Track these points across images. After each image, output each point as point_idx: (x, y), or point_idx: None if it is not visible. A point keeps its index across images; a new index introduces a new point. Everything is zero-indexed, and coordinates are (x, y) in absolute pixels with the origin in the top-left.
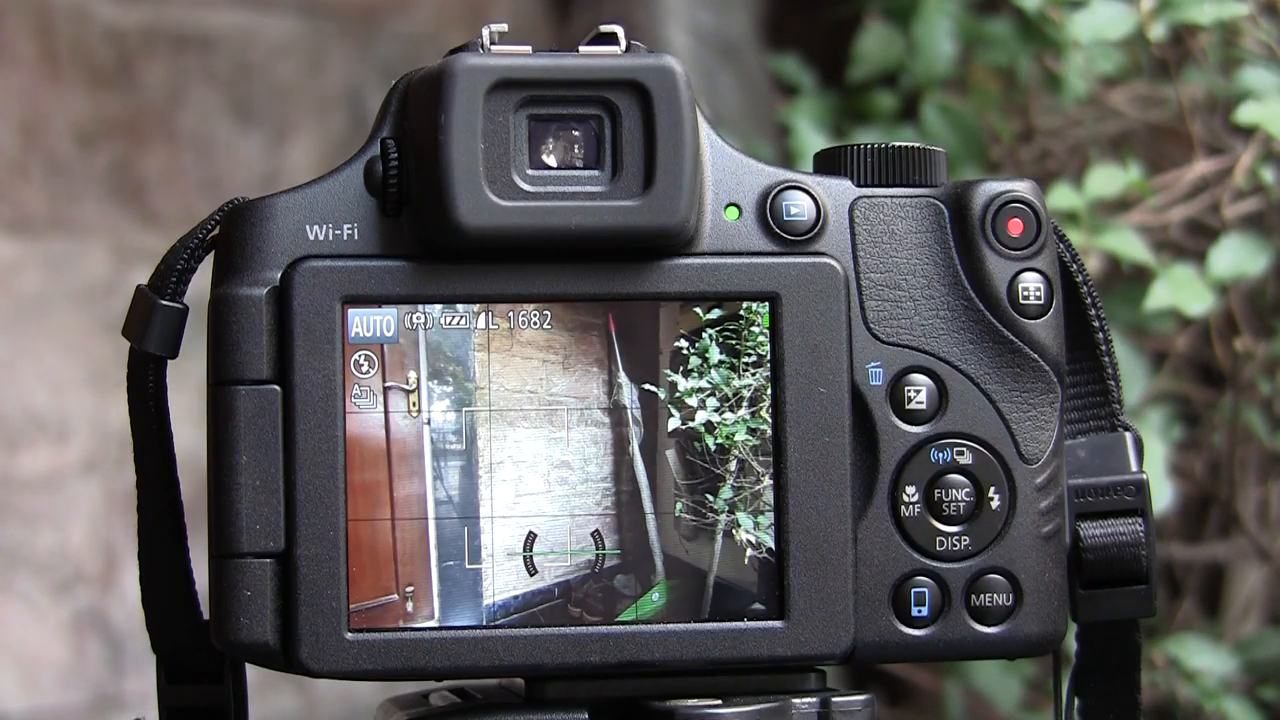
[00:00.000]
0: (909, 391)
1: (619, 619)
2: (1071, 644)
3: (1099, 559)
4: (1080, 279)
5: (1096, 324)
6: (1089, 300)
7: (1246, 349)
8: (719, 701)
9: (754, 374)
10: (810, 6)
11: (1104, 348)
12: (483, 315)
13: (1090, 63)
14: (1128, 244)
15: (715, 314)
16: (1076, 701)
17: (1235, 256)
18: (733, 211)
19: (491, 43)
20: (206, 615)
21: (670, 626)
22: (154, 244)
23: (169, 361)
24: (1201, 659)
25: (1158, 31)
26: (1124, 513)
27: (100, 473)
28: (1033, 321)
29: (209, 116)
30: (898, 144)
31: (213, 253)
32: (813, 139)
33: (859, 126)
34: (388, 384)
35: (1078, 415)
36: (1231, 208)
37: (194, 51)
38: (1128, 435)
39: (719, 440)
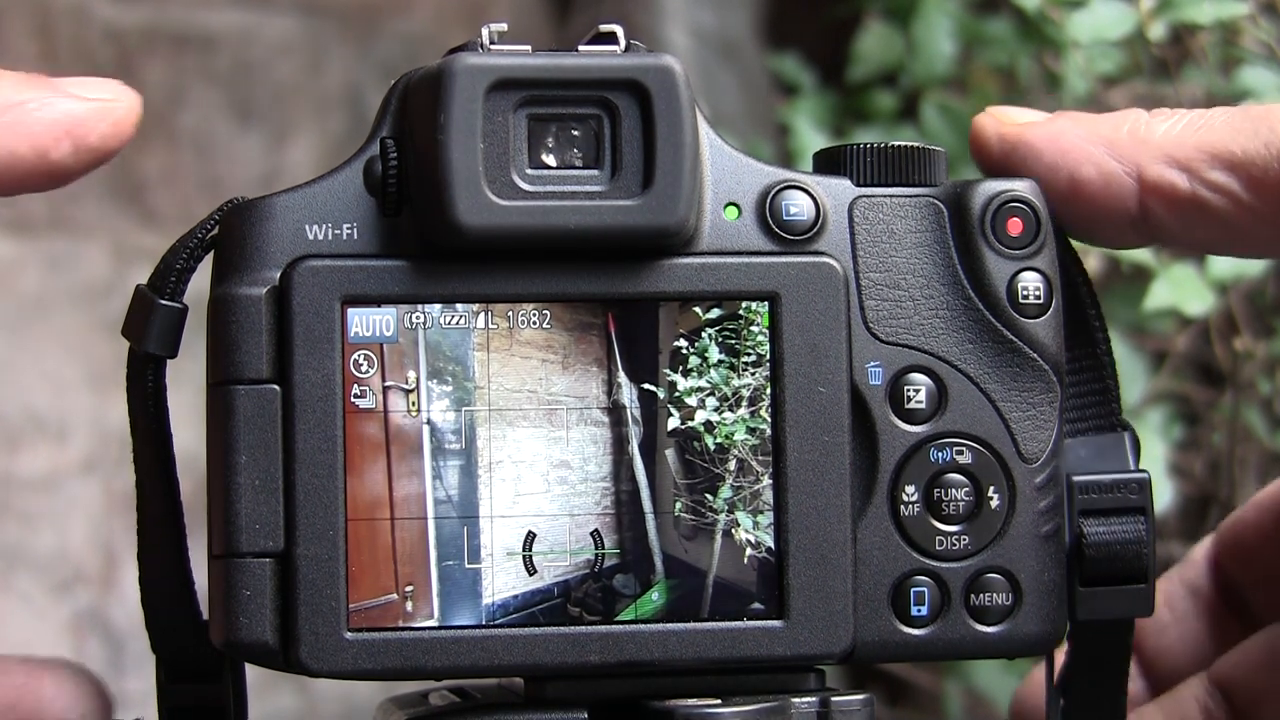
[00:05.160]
0: (908, 391)
1: (618, 618)
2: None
3: (1101, 556)
4: (1079, 278)
5: (1096, 323)
6: (1088, 300)
7: (1246, 349)
8: (718, 701)
9: (753, 373)
10: (810, 6)
11: (1103, 347)
12: (482, 315)
13: (1090, 62)
14: None
15: (714, 313)
16: (1060, 701)
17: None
18: (732, 211)
19: (491, 42)
20: (206, 614)
21: (669, 626)
22: (154, 244)
23: (169, 361)
24: None
25: (1158, 31)
26: (1127, 510)
27: (100, 473)
28: (1032, 321)
29: (209, 116)
30: (897, 143)
31: (212, 252)
32: (813, 139)
33: (859, 126)
34: (387, 383)
35: (1076, 415)
36: None
37: (194, 51)
38: (1126, 435)
39: (718, 440)
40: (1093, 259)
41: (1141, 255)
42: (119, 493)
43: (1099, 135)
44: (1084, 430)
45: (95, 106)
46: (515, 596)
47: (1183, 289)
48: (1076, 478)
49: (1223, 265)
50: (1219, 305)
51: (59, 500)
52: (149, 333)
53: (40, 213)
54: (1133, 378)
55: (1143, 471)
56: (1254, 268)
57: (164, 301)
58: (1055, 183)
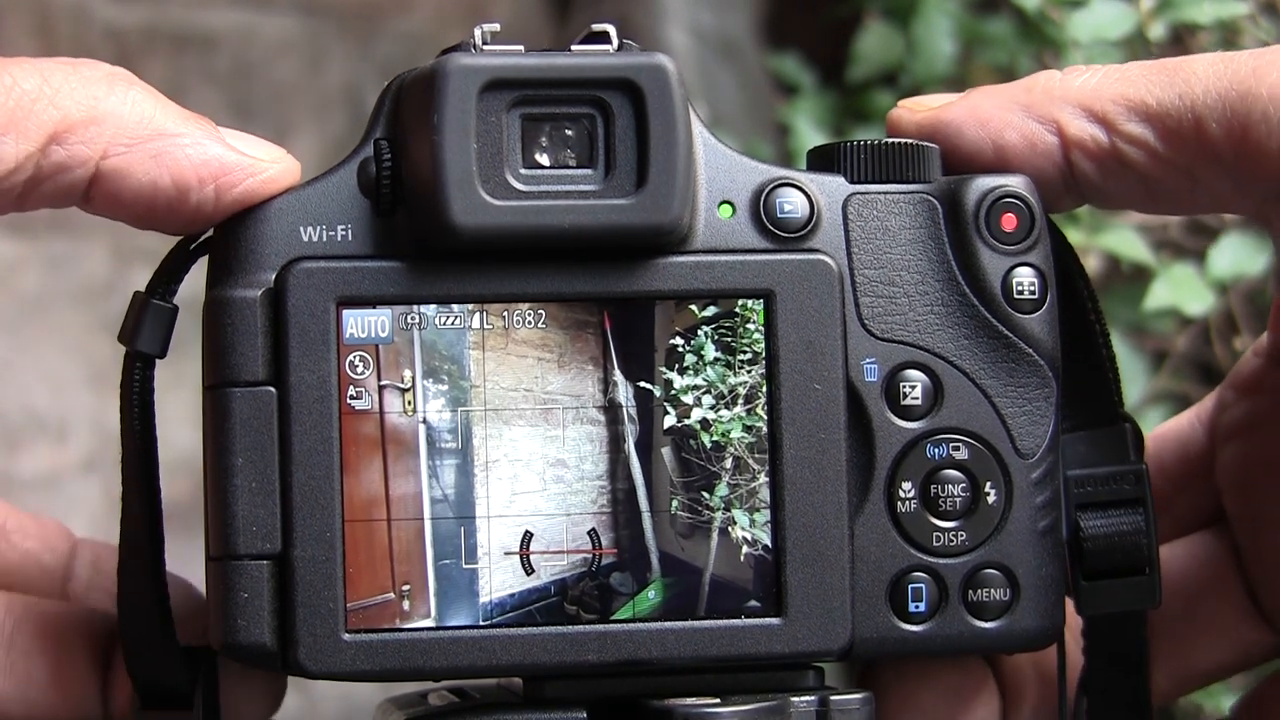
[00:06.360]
0: (904, 387)
1: (615, 617)
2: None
3: (1100, 549)
4: (1076, 272)
5: (1093, 317)
6: (1086, 294)
7: (1246, 348)
8: (717, 700)
9: (750, 371)
10: (810, 6)
11: (1102, 341)
12: (477, 314)
13: (1090, 62)
14: (1127, 243)
15: (711, 311)
16: (1085, 701)
17: (1235, 256)
18: (726, 209)
19: (484, 43)
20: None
21: (667, 625)
22: (154, 244)
23: (167, 364)
24: None
25: (1157, 31)
26: (1124, 503)
27: (100, 473)
28: (1027, 316)
29: (209, 116)
30: (891, 140)
31: (207, 255)
32: (812, 138)
33: (859, 126)
34: (383, 382)
35: (1077, 409)
36: None
37: (194, 51)
38: (1127, 427)
39: (715, 438)
40: (1092, 259)
41: (1141, 255)
42: (119, 492)
43: (1014, 100)
44: (1084, 425)
45: (249, 161)
46: (512, 595)
47: (1183, 289)
48: (1071, 472)
49: (1223, 265)
50: (1219, 305)
51: (59, 500)
52: (139, 332)
53: (40, 213)
54: (1133, 378)
55: (1139, 463)
56: (1254, 267)
57: (154, 300)
58: (981, 156)
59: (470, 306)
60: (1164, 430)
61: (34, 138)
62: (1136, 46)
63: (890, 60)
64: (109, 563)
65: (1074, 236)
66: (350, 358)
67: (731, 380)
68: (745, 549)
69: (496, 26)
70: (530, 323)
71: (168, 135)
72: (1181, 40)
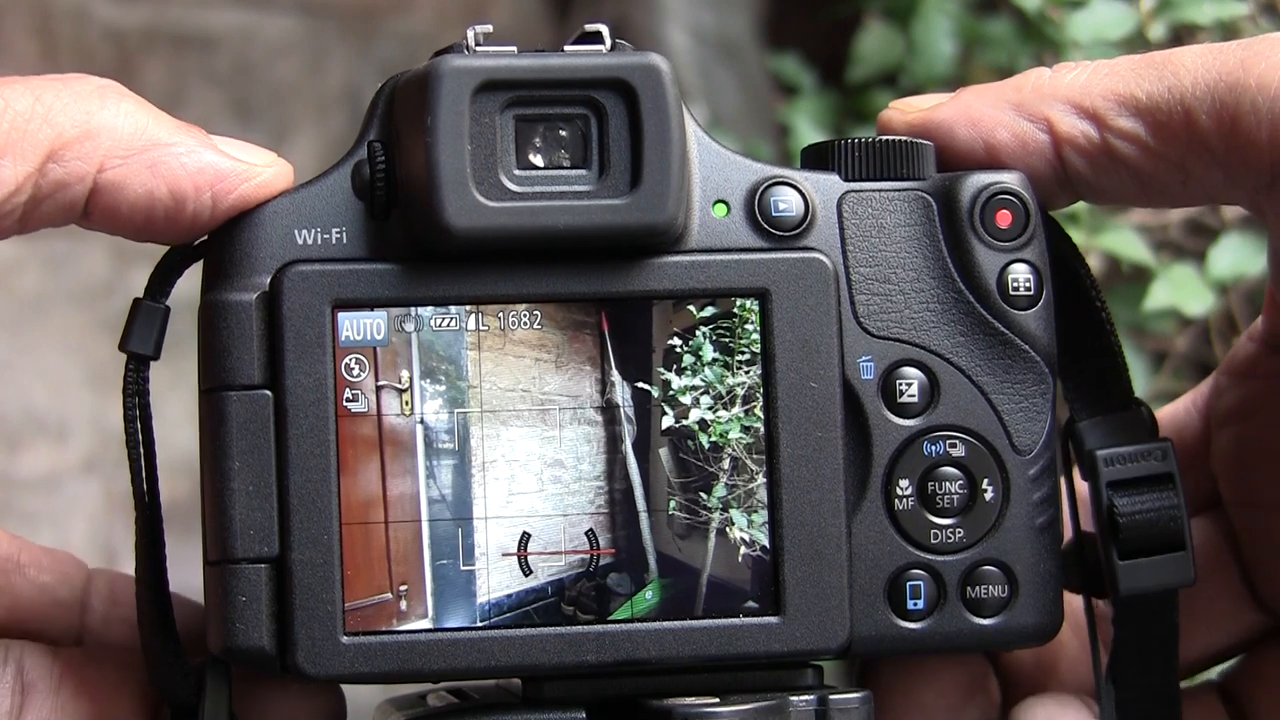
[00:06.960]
0: (900, 385)
1: (613, 617)
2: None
3: (1136, 524)
4: (1077, 263)
5: (1098, 304)
6: (1088, 283)
7: None
8: (716, 700)
9: (748, 371)
10: (810, 6)
11: (1108, 328)
12: (473, 315)
13: None
14: (1128, 244)
15: (709, 311)
16: (1113, 690)
17: (1235, 256)
18: (721, 208)
19: (477, 44)
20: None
21: (664, 625)
22: (154, 245)
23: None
24: None
25: (1157, 31)
26: (1155, 478)
27: (100, 473)
28: (1023, 312)
29: (209, 116)
30: (885, 138)
31: (202, 259)
32: (812, 139)
33: (859, 126)
34: (380, 383)
35: (1090, 397)
36: (1231, 207)
37: (194, 51)
38: (1142, 410)
39: (713, 438)
40: (1093, 259)
41: (1141, 255)
42: (119, 493)
43: (1004, 99)
44: (1099, 412)
45: (242, 167)
46: (509, 596)
47: (1183, 289)
48: (1100, 451)
49: (1223, 265)
50: (1219, 305)
51: (59, 500)
52: (131, 333)
53: None
54: (1133, 378)
55: (1165, 439)
56: (1254, 267)
57: (147, 301)
58: (973, 155)
59: (467, 308)
60: (1160, 417)
61: (31, 158)
62: (1137, 47)
63: (890, 61)
64: (124, 593)
65: (1075, 237)
66: (346, 360)
67: (730, 381)
68: (743, 550)
69: (490, 27)
70: (527, 323)
71: (162, 145)
72: (1181, 41)
